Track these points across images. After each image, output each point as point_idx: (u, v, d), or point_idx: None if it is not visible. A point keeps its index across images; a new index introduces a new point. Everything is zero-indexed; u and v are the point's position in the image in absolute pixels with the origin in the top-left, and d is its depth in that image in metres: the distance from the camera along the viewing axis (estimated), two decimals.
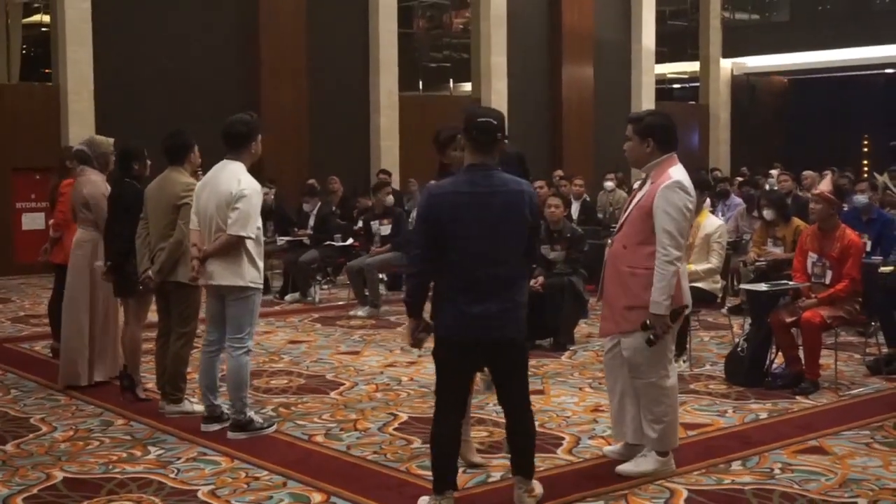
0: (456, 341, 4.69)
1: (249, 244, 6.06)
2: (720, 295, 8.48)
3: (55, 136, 15.63)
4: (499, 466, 5.47)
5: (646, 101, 23.72)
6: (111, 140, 7.71)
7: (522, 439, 4.85)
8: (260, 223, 6.18)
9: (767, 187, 14.43)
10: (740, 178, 17.30)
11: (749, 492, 5.10)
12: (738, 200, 12.75)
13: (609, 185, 16.35)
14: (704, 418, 6.55)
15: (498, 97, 20.68)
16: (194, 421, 6.45)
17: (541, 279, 8.90)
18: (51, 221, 8.77)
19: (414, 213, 14.09)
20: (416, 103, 20.22)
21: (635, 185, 5.62)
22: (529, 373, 5.00)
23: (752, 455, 5.71)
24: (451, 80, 22.80)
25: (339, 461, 5.72)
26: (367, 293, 11.22)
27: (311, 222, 12.91)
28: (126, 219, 6.97)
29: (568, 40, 22.10)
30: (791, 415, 6.65)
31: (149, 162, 7.28)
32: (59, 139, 15.58)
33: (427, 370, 8.10)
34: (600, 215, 15.32)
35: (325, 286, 13.21)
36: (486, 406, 6.57)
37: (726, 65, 26.40)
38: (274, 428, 6.32)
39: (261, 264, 6.18)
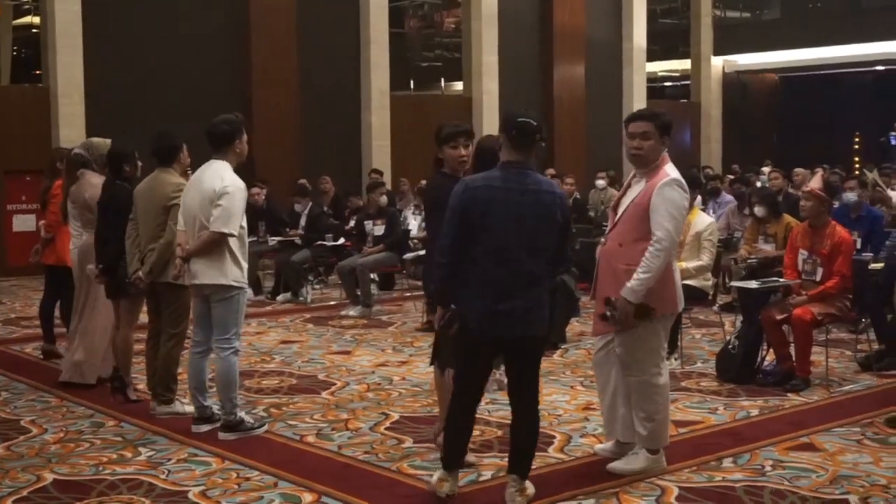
0: (481, 335, 4.79)
1: (233, 243, 6.05)
2: (711, 292, 8.50)
3: (46, 138, 15.59)
4: (489, 465, 5.47)
5: (637, 99, 23.72)
6: (108, 141, 7.69)
7: (526, 438, 4.90)
8: (244, 222, 6.17)
9: (759, 185, 14.46)
10: (731, 176, 17.33)
11: (740, 489, 5.10)
12: (730, 198, 12.77)
13: (601, 183, 16.40)
14: (695, 415, 6.55)
15: (489, 96, 20.67)
16: (185, 422, 6.43)
17: None
18: (41, 223, 8.75)
19: (406, 213, 14.13)
20: (407, 103, 20.21)
21: (626, 182, 5.61)
22: None
23: (743, 452, 5.71)
24: (443, 80, 22.79)
25: (331, 461, 5.71)
26: (358, 293, 11.21)
27: (303, 222, 12.90)
28: (117, 221, 6.95)
29: (559, 39, 22.10)
30: (782, 412, 6.66)
31: (140, 164, 7.26)
32: (50, 141, 15.53)
33: (419, 369, 8.11)
34: (591, 213, 15.36)
35: (317, 286, 13.20)
36: (480, 405, 6.55)
37: (717, 63, 26.42)
38: (265, 428, 6.31)
39: (244, 264, 6.16)
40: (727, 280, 10.93)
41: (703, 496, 5.00)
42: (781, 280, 7.69)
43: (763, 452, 5.71)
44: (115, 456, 5.85)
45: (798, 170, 13.98)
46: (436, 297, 4.98)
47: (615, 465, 5.38)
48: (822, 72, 26.54)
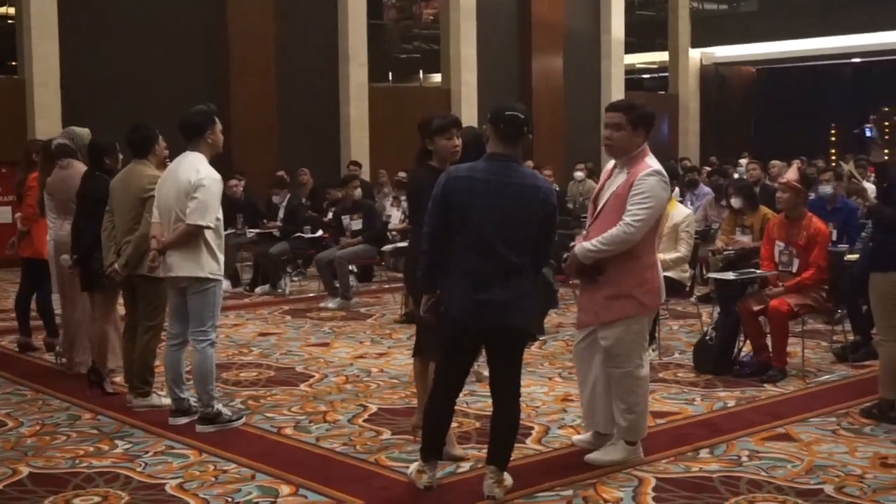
0: (462, 325, 4.80)
1: (209, 235, 6.02)
2: (689, 284, 8.52)
3: (21, 130, 15.45)
4: (468, 457, 5.47)
5: (615, 91, 23.78)
6: (88, 131, 7.64)
7: (506, 430, 4.91)
8: (220, 214, 6.14)
9: (736, 176, 14.52)
10: (708, 168, 17.39)
11: (717, 479, 5.12)
12: (707, 190, 12.82)
13: (579, 175, 16.44)
14: (673, 406, 6.58)
15: (468, 88, 20.67)
16: (162, 414, 6.40)
17: None
18: (17, 215, 8.69)
19: (385, 204, 14.11)
20: (386, 95, 20.18)
21: (604, 174, 5.61)
22: None
23: (719, 443, 5.74)
24: (421, 72, 22.77)
25: (308, 453, 5.70)
26: (337, 285, 11.19)
27: (281, 214, 12.86)
28: (96, 212, 6.91)
29: (537, 31, 22.11)
30: (759, 402, 6.69)
31: (121, 157, 7.21)
32: (26, 132, 15.40)
33: (397, 361, 8.11)
34: (570, 205, 15.39)
35: (295, 278, 13.17)
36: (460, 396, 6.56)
37: (695, 55, 26.51)
38: (242, 421, 6.29)
39: (221, 256, 6.13)
40: (705, 271, 10.97)
41: (679, 486, 5.02)
42: (758, 272, 7.72)
43: (739, 443, 5.74)
44: (91, 449, 5.82)
45: (774, 162, 14.03)
46: (420, 282, 4.99)
47: (593, 456, 5.39)
48: (799, 64, 26.69)
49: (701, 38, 26.31)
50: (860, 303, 7.91)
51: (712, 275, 8.63)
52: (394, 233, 13.34)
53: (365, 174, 16.50)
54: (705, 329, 7.99)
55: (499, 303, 4.75)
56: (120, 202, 6.67)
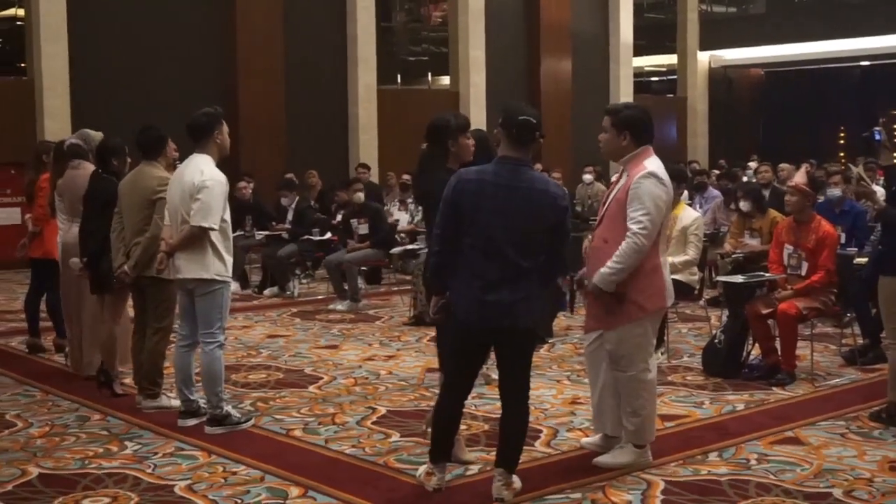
0: (470, 325, 4.81)
1: (215, 237, 6.03)
2: (698, 287, 8.51)
3: (30, 131, 15.51)
4: (476, 459, 5.47)
5: (624, 93, 23.78)
6: (101, 134, 7.66)
7: (515, 432, 4.91)
8: (227, 215, 6.15)
9: (745, 179, 14.50)
10: (717, 171, 17.36)
11: (725, 482, 5.12)
12: (716, 193, 12.79)
13: (588, 177, 16.42)
14: (681, 410, 6.57)
15: (476, 90, 20.69)
16: (171, 416, 6.42)
17: None
18: (28, 216, 8.70)
19: (391, 208, 14.12)
20: (394, 97, 20.20)
21: (614, 177, 5.62)
22: None
23: (728, 446, 5.73)
24: (430, 74, 22.78)
25: (317, 455, 5.70)
26: (345, 287, 11.20)
27: (290, 216, 12.87)
28: (103, 214, 6.93)
29: (546, 34, 22.12)
30: (767, 406, 6.69)
31: (129, 159, 7.23)
32: (34, 133, 15.46)
33: (405, 364, 8.12)
34: (579, 208, 15.38)
35: (304, 280, 13.18)
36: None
37: (703, 57, 26.49)
38: (251, 422, 6.30)
39: (228, 258, 6.12)
40: (713, 275, 10.95)
41: (688, 490, 5.01)
42: (767, 275, 7.71)
43: (748, 446, 5.73)
44: (100, 450, 5.83)
45: (783, 165, 14.01)
46: (429, 284, 4.99)
47: (602, 459, 5.39)
48: (807, 67, 26.65)
49: (709, 41, 26.30)
50: (869, 306, 7.90)
51: (721, 278, 8.61)
52: (402, 235, 13.36)
53: (373, 176, 16.52)
54: (714, 332, 7.98)
55: (506, 304, 4.75)
56: (129, 204, 6.69)
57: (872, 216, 10.24)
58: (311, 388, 7.32)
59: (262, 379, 7.66)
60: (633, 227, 5.10)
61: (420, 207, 14.02)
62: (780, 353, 7.33)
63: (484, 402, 6.65)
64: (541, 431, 6.04)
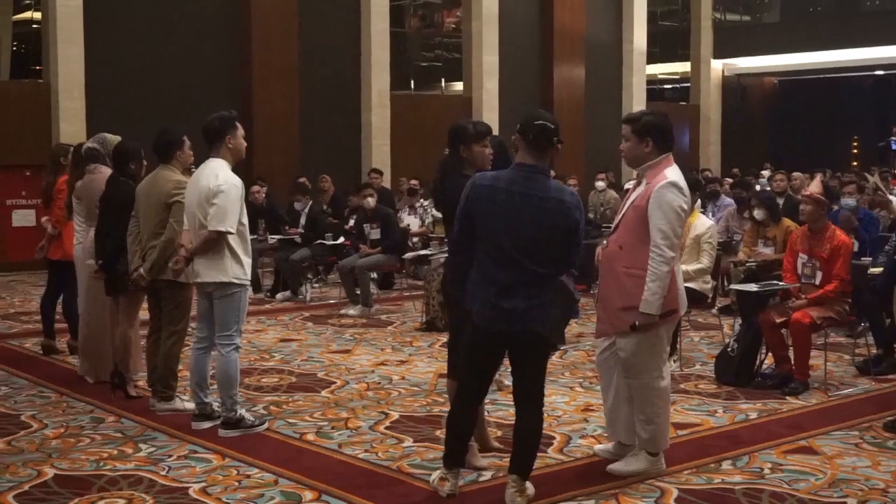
0: (484, 331, 4.82)
1: (233, 240, 6.05)
2: (711, 295, 8.50)
3: (46, 134, 15.61)
4: (489, 465, 5.48)
5: (637, 101, 23.77)
6: (119, 138, 7.70)
7: (528, 438, 4.91)
8: (245, 218, 6.17)
9: (759, 187, 14.47)
10: (730, 180, 17.33)
11: (739, 491, 5.12)
12: (729, 201, 12.78)
13: (600, 184, 16.42)
14: (694, 418, 6.57)
15: (489, 96, 20.70)
16: (185, 418, 6.44)
17: None
18: (44, 219, 8.74)
19: (402, 213, 14.14)
20: (407, 102, 20.23)
21: (627, 185, 5.63)
22: None
23: (741, 455, 5.73)
24: (443, 80, 22.81)
25: (331, 459, 5.72)
26: (358, 292, 11.22)
27: (303, 221, 12.90)
28: (119, 217, 6.96)
29: (559, 40, 22.13)
30: (781, 415, 6.67)
31: (145, 163, 7.26)
32: (50, 136, 15.55)
33: (418, 369, 8.13)
34: (591, 215, 15.37)
35: (316, 285, 13.21)
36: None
37: (717, 65, 26.47)
38: (265, 426, 6.32)
39: (247, 260, 6.15)
40: (726, 283, 10.94)
41: (702, 498, 5.01)
42: (781, 283, 7.70)
43: (762, 455, 5.73)
44: (115, 452, 5.86)
45: (796, 174, 13.99)
46: (446, 291, 5.02)
47: (615, 467, 5.39)
48: (821, 76, 26.61)
49: (723, 49, 26.27)
50: (882, 316, 7.88)
51: (734, 286, 8.60)
52: (415, 240, 13.37)
53: (386, 181, 16.55)
54: (727, 340, 7.97)
55: (521, 311, 4.77)
56: (145, 207, 6.72)
57: (886, 225, 10.26)
58: (324, 393, 7.34)
59: (274, 383, 7.68)
60: (657, 239, 5.10)
61: (431, 212, 14.09)
62: (793, 362, 7.32)
63: (496, 407, 6.66)
64: (554, 438, 6.05)
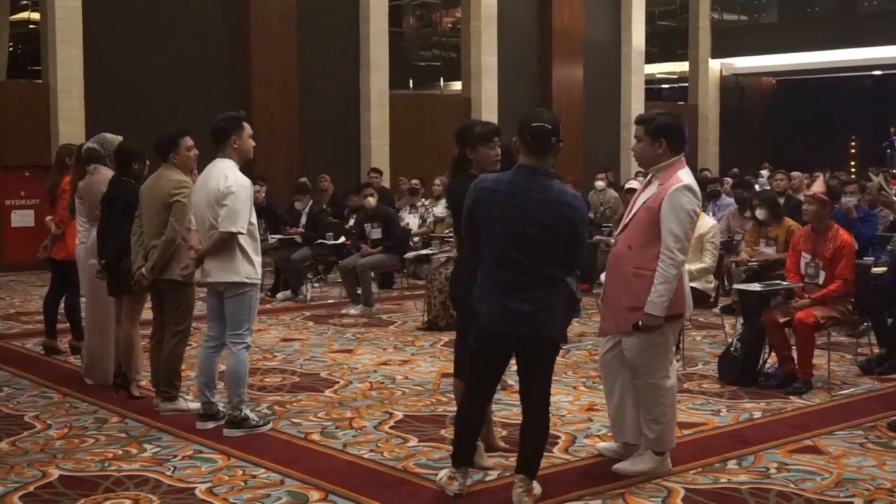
0: (492, 331, 4.82)
1: (243, 240, 6.07)
2: (713, 295, 8.51)
3: (45, 134, 15.60)
4: (495, 466, 5.47)
5: (635, 101, 23.78)
6: (120, 138, 7.68)
7: (535, 438, 4.92)
8: (254, 218, 6.18)
9: (757, 187, 14.48)
10: (729, 179, 17.33)
11: (745, 491, 5.11)
12: (729, 200, 12.78)
13: (600, 184, 16.41)
14: (699, 417, 6.57)
15: (488, 96, 20.70)
16: (189, 418, 6.44)
17: None
18: (48, 218, 8.72)
19: (402, 213, 14.13)
20: (407, 102, 20.23)
21: (629, 184, 5.63)
22: None
23: (747, 454, 5.73)
24: (442, 79, 22.81)
25: (336, 459, 5.71)
26: (359, 292, 11.21)
27: (303, 220, 12.89)
28: (121, 217, 6.95)
29: (558, 40, 22.13)
30: (785, 414, 6.68)
31: (148, 162, 7.25)
32: (49, 137, 15.54)
33: (421, 369, 8.12)
34: (591, 215, 15.35)
35: (316, 284, 13.20)
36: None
37: (715, 65, 26.47)
38: (269, 426, 6.31)
39: (257, 259, 6.17)
40: (727, 283, 10.95)
41: (709, 498, 5.01)
42: (784, 283, 7.71)
43: (767, 455, 5.73)
44: (120, 452, 5.85)
45: (795, 173, 13.99)
46: (453, 292, 5.03)
47: (621, 466, 5.39)
48: (819, 76, 26.63)
49: (721, 49, 26.28)
50: (885, 315, 7.89)
51: (738, 286, 8.60)
52: (415, 239, 13.36)
53: (385, 181, 16.53)
54: (730, 340, 7.97)
55: (527, 313, 4.76)
56: (148, 207, 6.72)
57: (886, 226, 10.27)
58: (328, 392, 7.33)
59: (278, 382, 7.67)
60: (669, 242, 5.10)
61: (431, 211, 14.09)
62: (796, 361, 7.33)
63: (500, 407, 6.65)
64: (559, 438, 6.04)
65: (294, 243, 12.58)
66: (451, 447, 5.17)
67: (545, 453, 5.31)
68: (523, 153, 4.84)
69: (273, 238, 12.84)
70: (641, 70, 24.31)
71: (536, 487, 4.93)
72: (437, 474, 5.22)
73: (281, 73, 17.90)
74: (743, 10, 28.67)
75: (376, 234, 11.58)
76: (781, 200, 10.66)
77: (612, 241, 5.53)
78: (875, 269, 8.08)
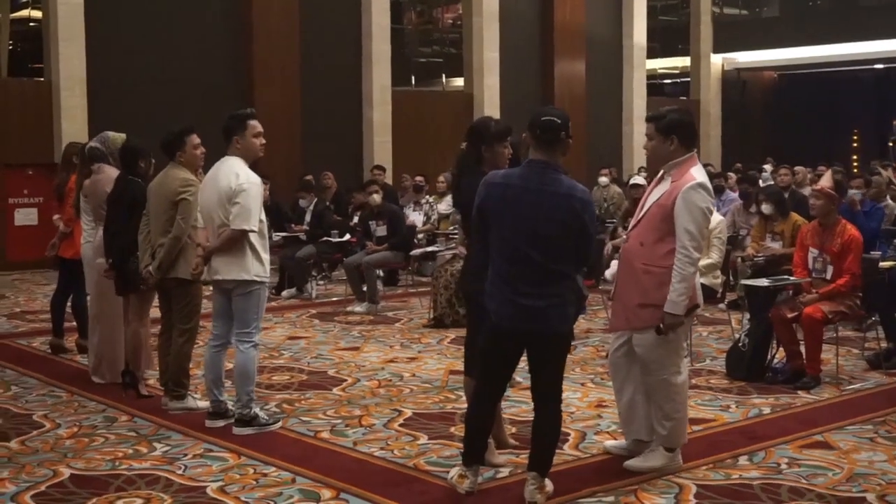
0: (502, 328, 4.82)
1: (253, 238, 6.07)
2: (720, 290, 8.49)
3: (47, 133, 15.59)
4: (505, 462, 5.47)
5: (637, 96, 23.77)
6: (123, 136, 7.67)
7: (547, 434, 4.91)
8: (264, 216, 6.18)
9: (761, 183, 14.47)
10: (733, 175, 17.32)
11: (757, 486, 5.11)
12: (733, 195, 12.78)
13: (603, 180, 16.43)
14: (708, 413, 6.57)
15: (490, 93, 20.67)
16: (198, 417, 6.43)
17: None
18: (56, 217, 8.72)
19: (406, 210, 14.13)
20: (409, 98, 20.20)
21: (634, 180, 5.62)
22: None
23: (758, 450, 5.73)
24: (444, 76, 22.79)
25: (347, 457, 5.71)
26: (364, 289, 11.20)
27: (307, 218, 12.88)
28: (128, 216, 6.95)
29: (560, 36, 22.11)
30: (794, 409, 6.67)
31: (153, 161, 7.25)
32: (52, 136, 15.53)
33: (428, 366, 8.12)
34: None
35: (321, 282, 13.19)
36: None
37: (717, 60, 26.45)
38: (279, 424, 6.31)
39: (266, 257, 6.17)
40: (733, 278, 10.94)
41: (720, 494, 5.01)
42: (792, 278, 7.70)
43: (778, 450, 5.72)
44: (130, 451, 5.85)
45: (799, 168, 13.99)
46: (463, 288, 5.04)
47: (632, 463, 5.39)
48: (821, 70, 26.59)
49: (723, 44, 26.25)
50: (893, 310, 7.88)
51: (745, 281, 8.60)
52: (420, 236, 13.35)
53: (388, 178, 16.52)
54: (737, 335, 7.96)
55: (538, 308, 4.75)
56: (155, 205, 6.71)
57: (891, 220, 10.27)
58: (336, 390, 7.33)
59: (285, 380, 7.67)
60: (684, 240, 5.10)
61: (436, 208, 14.08)
62: (804, 356, 7.32)
63: (509, 404, 6.63)
64: (569, 434, 6.03)
65: (299, 241, 12.57)
66: (461, 445, 5.17)
67: (556, 450, 5.31)
68: (533, 147, 4.86)
69: (277, 236, 12.81)
70: (643, 65, 24.29)
71: (549, 485, 4.92)
72: (448, 472, 5.21)
73: (283, 71, 17.87)
74: (744, 4, 28.62)
75: (381, 231, 11.57)
76: (786, 195, 10.65)
77: (625, 237, 5.51)
78: (883, 264, 8.07)
